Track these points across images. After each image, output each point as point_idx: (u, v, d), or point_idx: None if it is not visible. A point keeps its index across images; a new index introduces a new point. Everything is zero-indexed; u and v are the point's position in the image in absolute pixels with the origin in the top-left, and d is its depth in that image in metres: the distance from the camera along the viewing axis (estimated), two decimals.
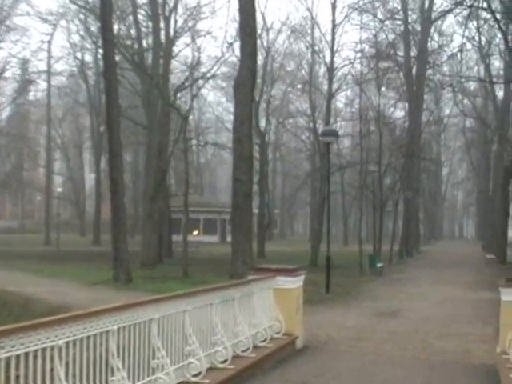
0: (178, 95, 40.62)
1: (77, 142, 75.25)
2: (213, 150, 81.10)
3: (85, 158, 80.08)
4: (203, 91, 58.50)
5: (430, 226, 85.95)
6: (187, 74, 42.49)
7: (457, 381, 10.02)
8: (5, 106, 63.58)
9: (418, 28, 50.10)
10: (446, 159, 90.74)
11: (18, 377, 5.46)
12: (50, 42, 62.98)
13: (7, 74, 60.42)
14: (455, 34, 60.48)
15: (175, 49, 42.98)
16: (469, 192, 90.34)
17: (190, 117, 50.71)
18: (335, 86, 46.51)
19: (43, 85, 67.98)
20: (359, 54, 43.58)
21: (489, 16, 35.63)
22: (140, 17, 41.97)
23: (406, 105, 48.42)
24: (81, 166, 78.38)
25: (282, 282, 11.46)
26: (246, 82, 25.89)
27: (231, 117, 37.15)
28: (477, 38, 44.98)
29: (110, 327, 6.63)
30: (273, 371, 9.84)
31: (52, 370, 5.76)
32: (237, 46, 34.43)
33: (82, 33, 55.59)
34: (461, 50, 40.77)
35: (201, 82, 43.81)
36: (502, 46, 42.18)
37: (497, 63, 51.70)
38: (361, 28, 44.63)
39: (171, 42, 40.42)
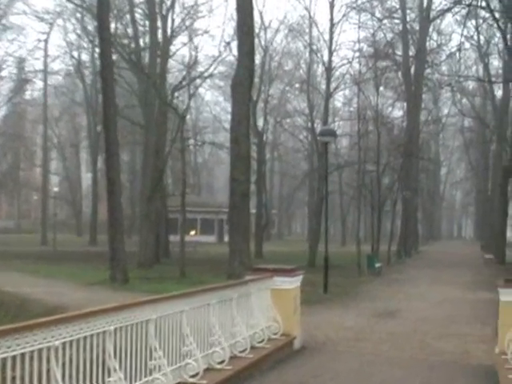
0: (176, 94, 40.54)
1: (73, 142, 75.03)
2: (210, 150, 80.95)
3: (81, 157, 79.89)
4: (201, 90, 58.40)
5: (428, 226, 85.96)
6: (184, 73, 42.29)
7: (455, 381, 9.99)
8: (1, 106, 63.62)
9: (417, 27, 50.07)
10: (444, 159, 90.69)
11: (14, 378, 5.41)
12: (46, 41, 62.92)
13: (3, 73, 60.58)
14: (454, 33, 60.78)
15: (172, 48, 43.10)
16: (467, 192, 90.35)
17: (188, 116, 50.47)
18: (333, 85, 46.57)
19: (40, 84, 68.01)
20: (357, 54, 43.68)
21: (487, 15, 35.69)
22: (137, 16, 41.95)
23: (405, 104, 48.51)
24: (77, 166, 78.16)
25: (279, 282, 11.43)
26: (244, 81, 25.86)
27: (229, 116, 37.17)
28: (475, 37, 45.14)
29: (107, 328, 6.60)
30: (270, 372, 9.82)
31: (48, 370, 5.73)
32: (234, 45, 34.68)
33: (78, 32, 55.78)
34: (459, 49, 40.97)
35: (198, 81, 43.84)
36: (500, 45, 42.27)
37: (495, 62, 51.85)
38: (359, 27, 44.49)
39: (168, 41, 40.34)
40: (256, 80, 40.75)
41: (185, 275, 26.95)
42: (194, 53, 43.26)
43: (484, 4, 33.41)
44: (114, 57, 32.69)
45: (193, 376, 8.05)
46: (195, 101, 64.84)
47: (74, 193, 75.68)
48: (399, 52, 48.73)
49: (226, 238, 36.90)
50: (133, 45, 40.78)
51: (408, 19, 49.16)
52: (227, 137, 42.09)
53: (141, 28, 42.33)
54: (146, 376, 7.26)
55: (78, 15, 52.39)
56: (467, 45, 46.66)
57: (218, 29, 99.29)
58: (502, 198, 43.14)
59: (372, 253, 35.83)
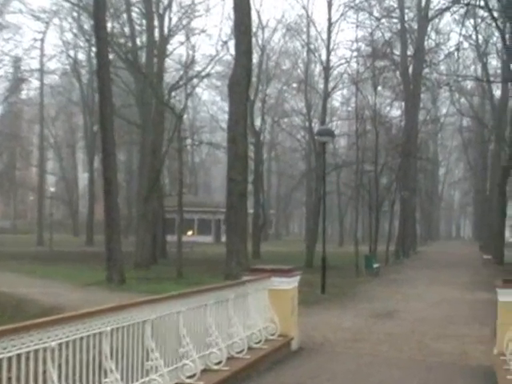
0: (173, 94, 40.66)
1: (70, 142, 74.99)
2: (207, 150, 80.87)
3: (78, 157, 79.73)
4: (198, 90, 58.34)
5: (426, 226, 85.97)
6: (181, 72, 42.41)
7: (453, 382, 9.97)
8: None
9: (415, 26, 50.05)
10: (442, 159, 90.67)
11: (9, 379, 5.38)
12: (42, 40, 62.84)
13: None
14: (452, 33, 60.23)
15: (169, 47, 43.01)
16: (466, 192, 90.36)
17: (185, 116, 50.36)
18: (331, 84, 46.58)
19: (36, 83, 67.93)
20: (355, 53, 43.84)
21: (486, 14, 35.55)
22: (134, 15, 41.75)
23: (403, 104, 48.38)
24: (74, 166, 78.02)
25: (277, 282, 11.39)
26: (241, 80, 25.82)
27: (226, 116, 36.99)
28: (474, 37, 44.95)
29: (104, 328, 6.57)
30: (268, 373, 9.77)
31: (44, 371, 5.69)
32: (232, 44, 34.50)
33: (75, 31, 55.45)
34: (458, 49, 40.91)
35: (195, 80, 43.81)
36: (499, 45, 42.09)
37: (494, 62, 51.65)
38: (357, 26, 44.58)
39: (165, 40, 40.36)
40: (253, 79, 40.79)
41: (182, 276, 26.89)
42: (191, 52, 43.82)
43: (482, 3, 33.34)
44: (111, 56, 32.84)
45: (190, 377, 8.01)
46: (192, 100, 64.77)
47: (71, 193, 75.53)
48: (397, 51, 48.72)
49: (224, 239, 36.94)
50: (129, 44, 40.57)
51: (406, 18, 49.24)
52: (224, 136, 41.91)
53: (137, 27, 42.17)
54: (142, 377, 7.22)
55: (75, 14, 52.20)
56: (466, 44, 46.65)
57: (215, 28, 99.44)
58: (500, 198, 42.98)
59: (370, 253, 35.67)
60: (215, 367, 8.79)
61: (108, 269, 24.86)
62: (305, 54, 55.60)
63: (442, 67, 52.57)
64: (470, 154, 69.35)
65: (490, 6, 33.15)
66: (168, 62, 44.49)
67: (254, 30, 39.72)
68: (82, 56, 62.12)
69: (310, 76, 55.41)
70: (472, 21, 40.51)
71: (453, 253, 57.58)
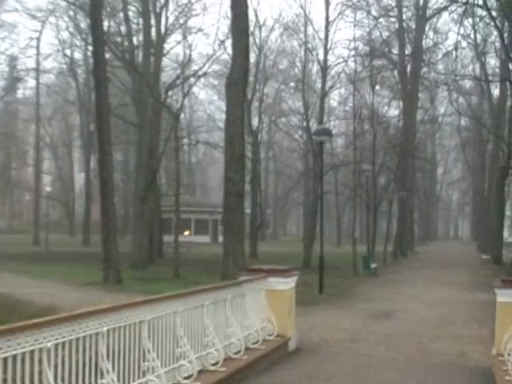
0: (169, 93, 40.62)
1: (66, 141, 74.61)
2: (204, 149, 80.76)
3: (74, 156, 79.45)
4: (195, 89, 58.16)
5: (424, 227, 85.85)
6: (178, 71, 42.27)
7: (452, 383, 9.96)
8: None
9: (413, 25, 49.96)
10: (440, 158, 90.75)
11: (5, 380, 5.38)
12: (38, 39, 62.93)
13: None
14: (450, 32, 60.47)
15: (166, 46, 42.98)
16: (464, 192, 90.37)
17: (182, 115, 50.44)
18: (329, 84, 46.55)
19: (32, 82, 67.82)
20: (353, 52, 43.60)
21: (484, 13, 35.32)
22: (130, 13, 41.92)
23: (401, 103, 48.40)
24: (70, 166, 77.59)
25: (274, 282, 11.38)
26: (238, 80, 25.86)
27: (223, 115, 36.99)
28: (472, 36, 44.68)
29: (100, 329, 6.57)
30: (265, 373, 9.77)
31: (40, 372, 5.69)
32: (229, 43, 34.64)
33: (71, 30, 55.60)
34: (456, 48, 40.72)
35: (192, 80, 43.56)
36: (497, 44, 41.86)
37: (492, 61, 51.41)
38: (355, 25, 44.60)
39: (162, 39, 40.27)
40: (251, 79, 40.82)
41: (179, 276, 26.88)
42: (188, 51, 43.45)
43: (481, 2, 33.10)
44: (107, 55, 32.70)
45: (187, 378, 8.01)
46: (189, 100, 64.63)
47: (67, 193, 75.25)
48: (395, 50, 48.61)
49: (221, 239, 36.82)
50: (126, 43, 40.70)
51: (404, 17, 49.09)
52: (221, 136, 42.01)
53: (134, 26, 42.45)
54: (139, 378, 7.19)
55: (71, 13, 52.33)
56: (464, 43, 46.57)
57: (213, 27, 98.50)
58: (498, 198, 42.84)
59: (368, 253, 35.62)
60: (212, 368, 8.78)
61: (104, 269, 24.86)
62: (302, 53, 55.42)
63: (440, 66, 52.59)
64: (468, 154, 69.26)
65: (489, 5, 32.91)
66: (165, 61, 44.51)
67: (251, 29, 39.87)
68: (78, 55, 62.40)
69: (307, 75, 55.20)
70: (470, 20, 40.33)
71: (451, 253, 57.44)
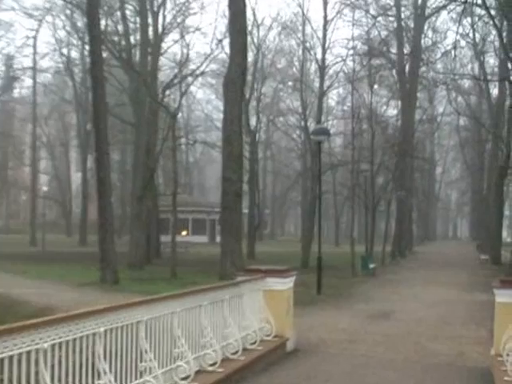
0: (167, 93, 40.53)
1: (63, 141, 74.47)
2: (202, 149, 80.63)
3: (71, 156, 79.27)
4: (192, 89, 58.04)
5: (423, 227, 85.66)
6: (176, 71, 42.15)
7: (450, 383, 9.97)
8: None
9: (412, 24, 49.85)
10: (439, 158, 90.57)
11: (1, 380, 5.44)
12: (35, 38, 62.55)
13: None
14: (449, 31, 60.45)
15: (164, 45, 42.81)
16: (463, 192, 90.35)
17: (179, 115, 50.25)
18: (327, 83, 46.67)
19: (28, 82, 67.75)
20: (351, 51, 43.35)
21: (483, 12, 35.22)
22: (128, 12, 41.74)
23: (399, 103, 48.36)
24: (67, 165, 77.50)
25: (272, 283, 11.38)
26: (236, 79, 25.87)
27: (221, 115, 36.83)
28: (471, 35, 44.64)
29: (97, 329, 6.56)
30: (263, 374, 9.77)
31: (37, 373, 5.69)
32: (226, 42, 34.55)
33: (68, 28, 55.37)
34: (455, 47, 40.60)
35: (190, 79, 43.73)
36: (496, 43, 41.81)
37: (491, 60, 51.36)
38: (353, 24, 44.34)
39: (160, 38, 40.19)
40: (248, 78, 40.78)
41: (176, 276, 26.89)
42: (185, 50, 43.62)
43: (480, 1, 32.98)
44: (105, 54, 32.81)
45: (184, 378, 8.00)
46: (187, 99, 64.57)
47: (64, 192, 75.13)
48: (394, 50, 48.52)
49: (218, 239, 36.81)
50: (123, 42, 40.62)
51: (403, 16, 48.98)
52: (219, 136, 41.73)
53: (131, 25, 42.28)
54: (136, 378, 7.18)
55: (68, 12, 52.15)
56: (463, 43, 46.67)
57: (210, 26, 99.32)
58: (497, 197, 42.75)
59: (366, 253, 35.66)
60: (210, 368, 8.76)
61: (101, 269, 24.85)
62: (300, 52, 55.42)
63: (439, 66, 52.38)
64: (466, 154, 69.28)
65: (488, 4, 32.73)
66: (162, 60, 44.41)
67: (249, 28, 39.81)
68: (75, 54, 62.15)
69: (305, 75, 55.09)
70: (469, 19, 40.33)
71: (450, 253, 57.34)
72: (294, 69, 59.34)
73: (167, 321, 8.02)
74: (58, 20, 56.98)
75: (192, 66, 43.45)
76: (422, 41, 48.87)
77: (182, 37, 43.61)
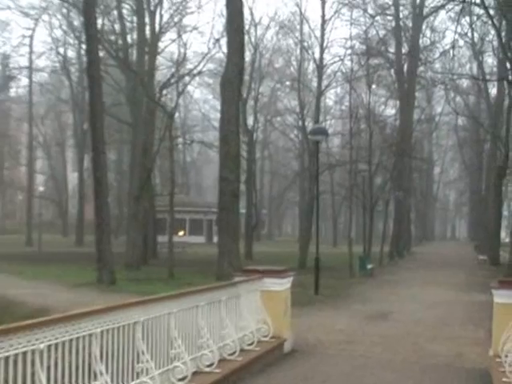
0: (164, 92, 40.53)
1: (59, 140, 74.21)
2: (199, 149, 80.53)
3: (67, 156, 79.05)
4: (189, 88, 57.89)
5: (421, 227, 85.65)
6: (173, 70, 42.12)
7: None
8: None
9: (410, 24, 49.68)
10: (437, 158, 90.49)
11: None
12: (31, 37, 62.80)
13: None
14: (447, 31, 60.42)
15: (161, 44, 42.78)
16: (461, 192, 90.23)
17: (176, 114, 50.27)
18: (325, 83, 46.46)
19: (25, 81, 67.77)
20: (349, 51, 43.50)
21: (482, 12, 35.17)
22: (124, 11, 41.76)
23: (397, 102, 48.26)
24: (63, 165, 77.23)
25: (269, 283, 11.36)
26: (233, 78, 25.86)
27: (218, 114, 36.83)
28: (469, 35, 44.60)
29: (93, 330, 6.56)
30: (260, 375, 9.74)
31: (33, 374, 5.67)
32: (224, 41, 34.36)
33: (64, 28, 55.27)
34: (453, 47, 40.51)
35: (187, 78, 43.65)
36: (495, 43, 41.75)
37: (490, 60, 51.34)
38: (351, 24, 44.46)
39: (156, 37, 40.20)
40: (246, 78, 40.69)
41: (173, 276, 26.87)
42: (182, 50, 43.59)
43: (478, 1, 32.90)
44: (101, 53, 32.68)
45: (181, 379, 7.99)
46: (184, 99, 64.36)
47: (60, 192, 74.85)
48: (392, 49, 48.44)
49: (215, 239, 36.76)
50: (120, 41, 40.64)
51: (401, 16, 48.90)
52: (216, 135, 41.78)
53: (128, 24, 42.32)
54: (133, 379, 7.18)
55: (64, 11, 52.22)
56: (461, 42, 46.33)
57: (208, 25, 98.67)
58: (496, 198, 42.61)
59: (364, 254, 35.47)
60: (207, 369, 8.75)
61: (98, 269, 24.84)
62: (298, 51, 55.38)
63: (437, 65, 52.21)
64: (465, 154, 69.17)
65: (486, 4, 32.65)
66: (159, 59, 44.32)
67: (246, 27, 40.03)
68: (71, 53, 62.02)
69: (303, 74, 55.11)
70: (468, 18, 40.37)
71: (448, 253, 57.31)
72: (292, 68, 59.26)
73: (164, 321, 8.00)
74: (55, 19, 56.96)
75: (189, 66, 43.57)
76: (421, 40, 48.90)
77: (179, 36, 43.88)
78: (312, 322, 15.19)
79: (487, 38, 44.03)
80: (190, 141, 56.80)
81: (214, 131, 60.28)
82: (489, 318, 11.03)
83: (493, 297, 10.31)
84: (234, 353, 9.68)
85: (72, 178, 78.80)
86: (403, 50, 49.01)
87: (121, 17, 40.79)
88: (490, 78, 48.60)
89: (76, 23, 49.32)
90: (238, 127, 27.66)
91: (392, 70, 47.30)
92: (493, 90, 51.43)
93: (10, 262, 34.81)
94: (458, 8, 35.98)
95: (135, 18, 40.13)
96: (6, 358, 5.37)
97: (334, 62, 46.09)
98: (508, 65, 35.96)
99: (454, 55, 44.71)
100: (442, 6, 39.28)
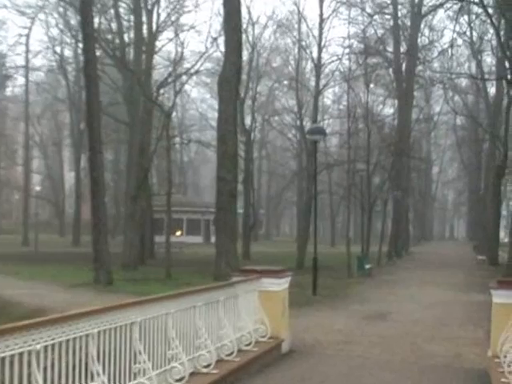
0: (161, 91, 40.55)
1: (56, 140, 74.10)
2: (196, 148, 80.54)
3: (64, 155, 78.86)
4: (187, 87, 57.98)
5: (419, 227, 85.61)
6: (170, 69, 42.10)
7: None
8: None
9: (408, 23, 49.61)
10: (436, 158, 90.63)
11: None
12: (28, 36, 62.50)
13: None
14: (446, 29, 60.55)
15: (158, 43, 42.82)
16: (460, 191, 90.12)
17: (173, 114, 50.14)
18: (323, 82, 46.49)
19: (21, 80, 67.65)
20: (347, 50, 43.24)
21: (480, 10, 35.13)
22: (121, 10, 41.66)
23: (396, 102, 48.24)
24: (60, 165, 77.12)
25: (267, 283, 11.35)
26: (231, 78, 25.85)
27: (215, 114, 36.78)
28: (468, 34, 44.65)
29: (90, 331, 6.55)
30: (258, 375, 9.74)
31: (29, 375, 5.67)
32: (221, 40, 34.65)
33: (61, 26, 54.99)
34: (452, 46, 40.68)
35: (184, 77, 43.77)
36: (493, 42, 41.75)
37: (488, 59, 51.39)
38: (349, 23, 44.45)
39: (154, 36, 40.12)
40: (243, 77, 40.63)
41: (170, 276, 26.89)
42: (180, 49, 43.69)
43: None
44: (98, 52, 32.83)
45: (178, 380, 7.99)
46: (181, 98, 64.39)
47: (57, 192, 74.77)
48: (390, 48, 48.33)
49: (213, 239, 36.73)
50: (117, 40, 40.61)
51: (399, 15, 48.84)
52: (214, 135, 41.64)
53: (125, 23, 42.30)
54: (130, 380, 7.16)
55: (61, 9, 52.12)
56: (460, 41, 46.37)
57: (205, 24, 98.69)
58: (494, 197, 42.49)
59: (362, 254, 35.50)
60: (204, 370, 8.74)
61: (95, 270, 24.83)
62: (296, 50, 55.43)
63: (436, 65, 52.20)
64: (463, 153, 68.99)
65: (485, 2, 32.56)
66: (156, 58, 44.36)
67: (244, 26, 39.93)
68: (68, 52, 61.82)
69: (301, 73, 55.07)
70: (466, 17, 40.37)
71: (446, 253, 57.29)
72: (290, 67, 59.34)
73: (161, 322, 7.98)
74: (51, 18, 56.78)
75: (186, 65, 43.59)
76: (419, 39, 48.86)
77: (177, 35, 43.74)
78: (310, 323, 15.17)
79: (486, 37, 44.07)
80: (188, 140, 56.77)
81: (211, 131, 60.19)
82: (487, 319, 11.02)
83: (491, 297, 10.29)
84: (232, 353, 9.67)
85: (69, 177, 78.67)
86: (401, 49, 48.94)
87: (118, 16, 40.67)
88: (489, 77, 48.60)
89: (73, 22, 49.19)
90: (236, 127, 27.59)
91: (390, 69, 47.33)
92: (491, 90, 51.62)
93: (6, 262, 34.69)
94: (456, 7, 36.10)
95: (132, 17, 40.04)
96: (2, 359, 5.35)
97: (332, 61, 46.18)
98: (507, 64, 35.86)
99: (452, 54, 44.82)
100: (441, 5, 39.40)
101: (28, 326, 5.75)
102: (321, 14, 43.84)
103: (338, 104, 58.17)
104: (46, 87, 66.86)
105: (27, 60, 62.95)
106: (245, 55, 41.47)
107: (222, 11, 29.95)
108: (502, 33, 35.20)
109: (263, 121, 67.49)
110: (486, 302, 12.83)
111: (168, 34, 48.51)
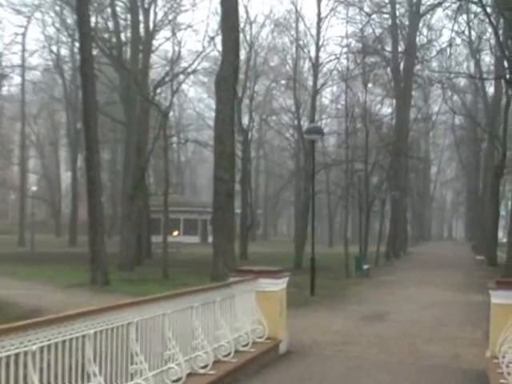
0: (158, 91, 40.31)
1: (52, 139, 74.01)
2: (193, 148, 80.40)
3: (60, 155, 78.79)
4: (184, 87, 58.00)
5: (418, 227, 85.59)
6: (167, 68, 42.07)
7: None
8: None
9: (406, 22, 49.75)
10: (434, 157, 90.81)
11: None
12: (24, 35, 62.57)
13: None
14: (444, 29, 60.37)
15: (155, 43, 42.75)
16: (458, 191, 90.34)
17: (170, 113, 50.17)
18: (320, 81, 46.55)
19: (17, 79, 67.50)
20: (345, 49, 43.32)
21: (479, 10, 35.20)
22: (118, 9, 41.82)
23: (394, 101, 48.32)
24: (56, 164, 76.99)
25: (264, 284, 11.36)
26: (228, 77, 25.84)
27: (213, 113, 36.60)
28: (467, 33, 44.65)
29: (87, 331, 6.55)
30: (255, 376, 9.75)
31: (25, 376, 5.67)
32: (219, 40, 34.62)
33: (57, 25, 54.95)
34: (450, 45, 40.91)
35: (181, 77, 43.59)
36: (492, 41, 41.74)
37: (487, 59, 51.37)
38: (347, 22, 44.28)
39: (151, 35, 40.06)
40: (241, 76, 40.74)
41: (167, 277, 26.95)
42: (177, 48, 43.57)
43: None
44: (95, 52, 32.69)
45: (175, 381, 8.00)
46: (178, 97, 64.11)
47: (53, 192, 74.58)
48: (388, 48, 48.42)
49: (210, 239, 36.66)
50: (114, 39, 40.74)
51: (397, 14, 48.85)
52: (211, 134, 41.46)
53: (122, 22, 42.53)
54: (126, 381, 7.18)
55: (57, 8, 52.03)
56: (458, 40, 46.65)
57: (202, 23, 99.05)
58: (493, 197, 42.36)
59: (360, 254, 35.63)
60: (201, 371, 8.74)
61: (92, 270, 24.89)
62: (293, 50, 55.46)
63: (434, 64, 52.39)
64: (462, 153, 69.14)
65: (484, 2, 32.54)
66: (153, 57, 44.26)
67: (241, 25, 39.85)
68: (64, 51, 61.75)
69: (298, 73, 54.97)
70: (465, 16, 40.49)
71: (445, 254, 57.41)
72: (287, 67, 59.37)
73: (158, 322, 7.99)
74: (47, 17, 56.66)
75: (184, 64, 43.78)
76: (417, 38, 49.00)
77: (174, 34, 43.67)
78: (308, 323, 15.15)
79: (484, 37, 44.20)
80: (185, 140, 56.64)
81: (208, 130, 60.01)
82: (486, 319, 11.00)
83: (490, 297, 10.25)
84: (229, 354, 9.66)
85: (65, 177, 78.44)
86: (400, 49, 49.03)
87: (114, 14, 40.80)
88: (487, 76, 48.63)
89: (69, 21, 49.11)
90: (233, 126, 27.66)
91: (388, 69, 47.43)
92: (490, 89, 51.56)
93: (2, 262, 34.57)
94: (455, 6, 36.16)
95: (129, 16, 40.18)
96: None
97: (330, 61, 46.22)
98: (505, 63, 35.82)
99: (450, 53, 45.08)
100: (439, 4, 39.45)
101: (24, 326, 5.74)
102: (319, 13, 44.04)
103: (336, 103, 58.28)
104: (43, 86, 66.83)
105: (23, 59, 63.05)
106: (242, 54, 41.34)
107: (219, 10, 29.83)
108: (500, 32, 35.26)
109: (261, 120, 67.44)
110: (484, 303, 12.80)
111: (165, 33, 48.52)
